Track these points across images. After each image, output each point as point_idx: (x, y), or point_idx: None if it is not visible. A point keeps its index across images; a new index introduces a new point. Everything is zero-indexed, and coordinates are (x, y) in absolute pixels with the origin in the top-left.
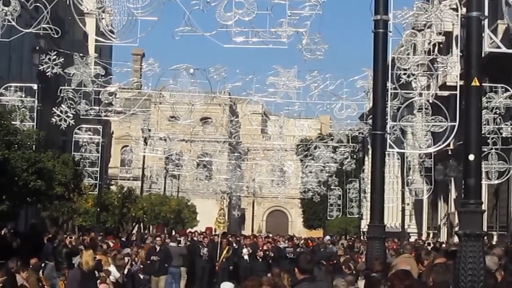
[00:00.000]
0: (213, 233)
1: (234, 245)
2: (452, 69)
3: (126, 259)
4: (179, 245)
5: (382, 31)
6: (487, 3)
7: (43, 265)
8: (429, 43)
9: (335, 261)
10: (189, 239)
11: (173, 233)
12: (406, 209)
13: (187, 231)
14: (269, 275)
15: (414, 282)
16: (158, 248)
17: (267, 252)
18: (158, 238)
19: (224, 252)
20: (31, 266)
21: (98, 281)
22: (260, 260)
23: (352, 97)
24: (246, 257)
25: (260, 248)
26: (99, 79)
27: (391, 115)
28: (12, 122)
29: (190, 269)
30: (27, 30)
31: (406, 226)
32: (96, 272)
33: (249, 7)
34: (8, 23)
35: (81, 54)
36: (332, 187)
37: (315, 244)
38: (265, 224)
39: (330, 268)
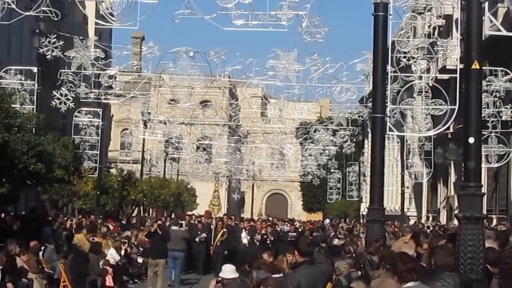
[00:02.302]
0: (212, 216)
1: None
2: (452, 53)
3: (124, 241)
4: (181, 228)
5: (382, 14)
6: None
7: (43, 248)
8: (429, 26)
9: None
10: (186, 222)
11: (173, 216)
12: (406, 192)
13: (188, 213)
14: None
15: (417, 265)
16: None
17: (265, 236)
18: (159, 222)
19: (219, 235)
20: (30, 249)
21: (101, 262)
22: (258, 244)
23: (352, 80)
24: (245, 241)
25: (258, 232)
26: (99, 62)
27: (390, 98)
28: (12, 105)
29: (188, 254)
30: (27, 13)
31: (405, 210)
32: (94, 253)
33: None
34: (8, 6)
35: (81, 37)
36: (331, 170)
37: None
38: (265, 207)
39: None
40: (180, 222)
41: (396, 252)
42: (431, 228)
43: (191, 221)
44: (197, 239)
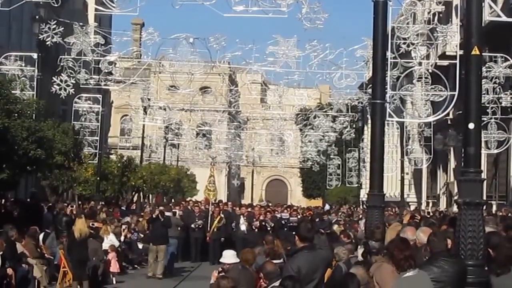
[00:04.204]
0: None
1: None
2: (451, 39)
3: (123, 227)
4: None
5: (382, 0)
6: None
7: (43, 234)
8: (428, 13)
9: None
10: (182, 208)
11: (173, 201)
12: (406, 178)
13: (187, 199)
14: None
15: (414, 252)
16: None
17: (264, 223)
18: (161, 208)
19: (215, 222)
20: (27, 233)
21: (108, 249)
22: (257, 230)
23: (351, 66)
24: (243, 227)
25: (256, 218)
26: (99, 48)
27: (390, 84)
28: (12, 91)
29: (184, 241)
30: None
31: (405, 196)
32: (93, 239)
33: None
34: None
35: (81, 23)
36: (331, 156)
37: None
38: (264, 193)
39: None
40: (173, 210)
41: (394, 239)
42: (431, 214)
43: (188, 207)
44: (193, 225)
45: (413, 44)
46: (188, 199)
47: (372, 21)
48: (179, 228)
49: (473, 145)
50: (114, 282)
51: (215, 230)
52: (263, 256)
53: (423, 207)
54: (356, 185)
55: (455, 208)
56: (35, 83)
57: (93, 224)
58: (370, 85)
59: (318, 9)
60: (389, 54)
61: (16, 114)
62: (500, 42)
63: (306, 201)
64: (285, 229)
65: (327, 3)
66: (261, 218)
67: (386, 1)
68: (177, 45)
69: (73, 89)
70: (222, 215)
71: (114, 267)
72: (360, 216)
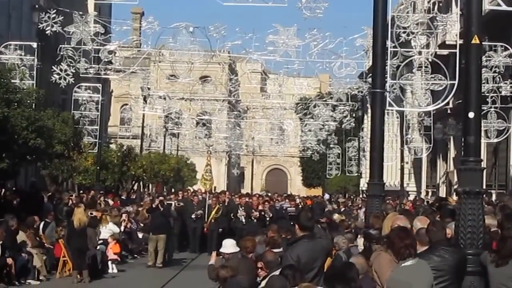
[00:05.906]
0: (213, 192)
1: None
2: (451, 28)
3: (123, 216)
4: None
5: None
6: None
7: (43, 223)
8: (428, 1)
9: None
10: (180, 198)
11: (173, 191)
12: (405, 167)
13: (186, 189)
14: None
15: (415, 242)
16: (156, 206)
17: (263, 213)
18: (161, 198)
19: (213, 212)
20: (25, 222)
21: (108, 238)
22: (256, 221)
23: (351, 55)
24: (242, 218)
25: (255, 208)
26: (99, 38)
27: (390, 73)
28: (12, 81)
29: (182, 232)
30: None
31: (405, 185)
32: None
33: None
34: None
35: (80, 13)
36: (331, 145)
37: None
38: (265, 183)
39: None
40: (168, 202)
41: (395, 227)
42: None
43: (187, 197)
44: (193, 216)
45: (413, 33)
46: (188, 188)
47: (372, 10)
48: (174, 219)
49: (473, 134)
50: (113, 271)
51: (212, 221)
52: (263, 245)
53: (422, 196)
54: (356, 174)
55: (455, 197)
56: (34, 72)
57: (91, 213)
58: (370, 74)
59: None
60: (389, 43)
61: (16, 104)
62: (500, 31)
63: (306, 190)
64: (286, 218)
65: None
66: (260, 208)
67: None
68: (177, 34)
69: (72, 78)
70: (221, 204)
71: (111, 255)
72: (360, 205)
